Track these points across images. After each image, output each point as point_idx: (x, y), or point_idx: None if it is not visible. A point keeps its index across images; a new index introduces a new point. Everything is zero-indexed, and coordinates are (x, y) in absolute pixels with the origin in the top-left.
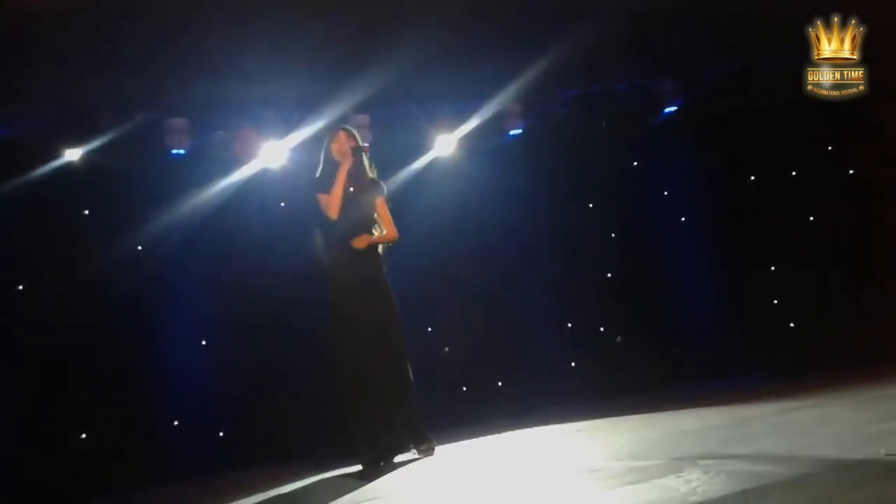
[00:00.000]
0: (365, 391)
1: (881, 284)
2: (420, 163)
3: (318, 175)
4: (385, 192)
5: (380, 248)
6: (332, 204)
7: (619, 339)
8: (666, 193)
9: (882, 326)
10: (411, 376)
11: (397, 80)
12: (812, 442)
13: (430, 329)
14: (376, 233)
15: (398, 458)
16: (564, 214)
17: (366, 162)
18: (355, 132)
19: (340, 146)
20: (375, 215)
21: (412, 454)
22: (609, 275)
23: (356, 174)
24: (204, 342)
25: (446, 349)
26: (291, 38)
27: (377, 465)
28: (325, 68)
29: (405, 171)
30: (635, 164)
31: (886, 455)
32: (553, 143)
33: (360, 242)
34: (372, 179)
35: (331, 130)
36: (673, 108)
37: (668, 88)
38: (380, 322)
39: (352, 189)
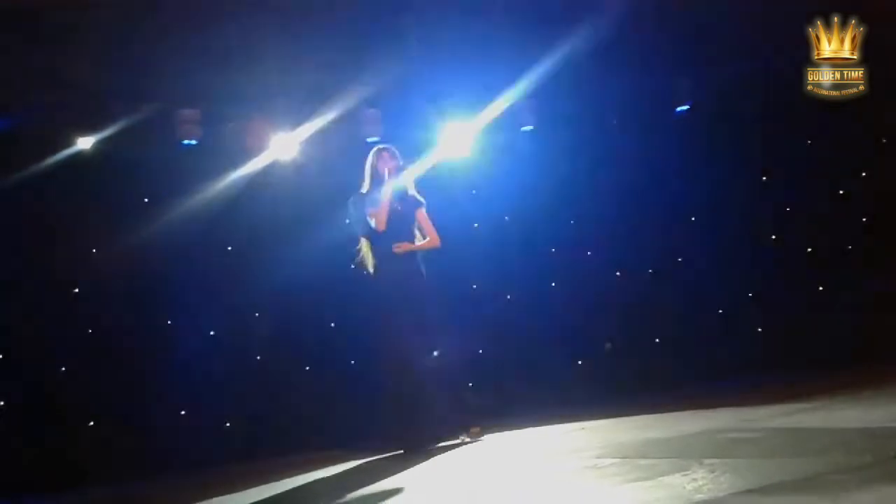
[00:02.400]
0: (403, 375)
1: (887, 283)
2: (430, 158)
3: (364, 190)
4: (425, 204)
5: (419, 252)
6: (380, 219)
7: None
8: (677, 191)
9: (888, 325)
10: (445, 363)
11: (408, 73)
12: (818, 442)
13: None
14: (418, 240)
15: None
16: (576, 210)
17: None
18: (396, 152)
19: (383, 165)
20: (417, 224)
21: (460, 439)
22: (618, 273)
23: (399, 191)
24: (212, 332)
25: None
26: (302, 30)
27: (424, 449)
28: (335, 60)
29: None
30: (648, 161)
31: (894, 456)
32: (565, 139)
33: (399, 248)
34: (412, 195)
35: (374, 150)
36: (686, 107)
37: (682, 86)
38: (418, 311)
39: (397, 206)
